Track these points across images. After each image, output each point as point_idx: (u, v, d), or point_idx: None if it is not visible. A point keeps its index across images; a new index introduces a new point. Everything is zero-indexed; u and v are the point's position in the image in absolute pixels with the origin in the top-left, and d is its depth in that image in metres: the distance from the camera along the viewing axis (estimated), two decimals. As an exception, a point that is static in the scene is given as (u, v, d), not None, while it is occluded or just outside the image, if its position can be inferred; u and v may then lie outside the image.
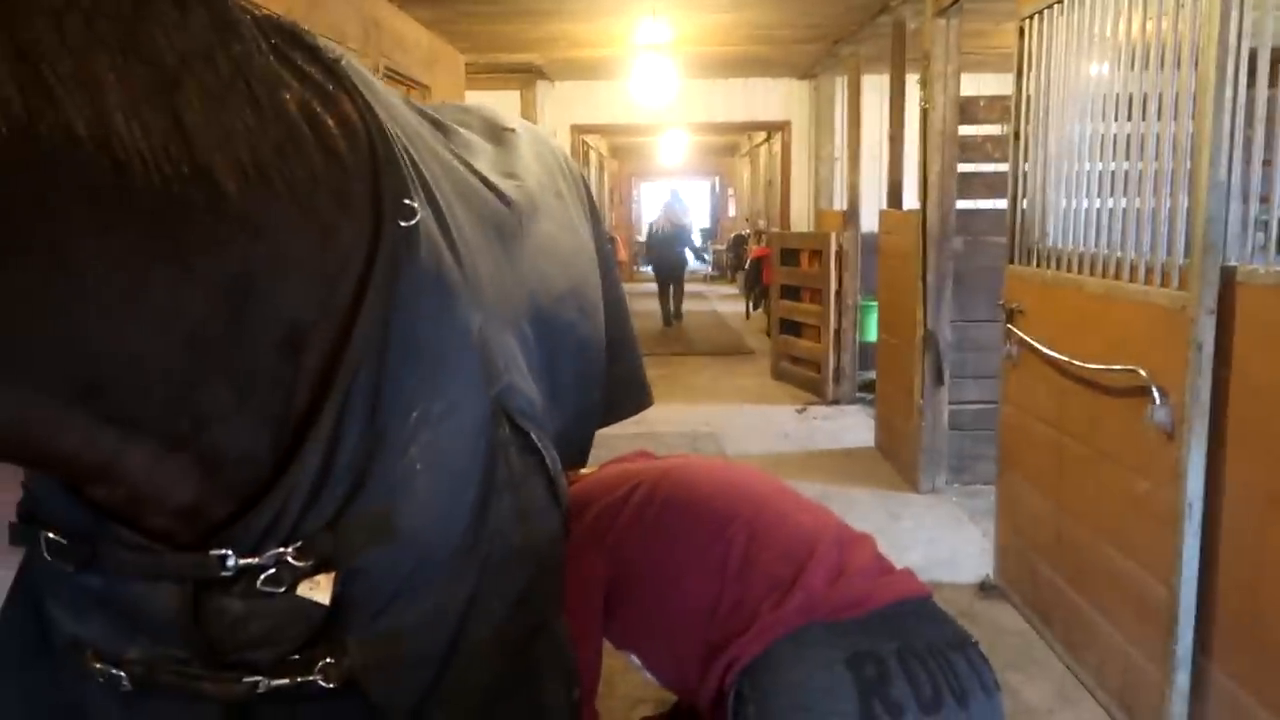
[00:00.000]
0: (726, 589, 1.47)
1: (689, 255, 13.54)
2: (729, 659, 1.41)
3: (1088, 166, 3.12)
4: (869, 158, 7.64)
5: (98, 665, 1.16)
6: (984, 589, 3.83)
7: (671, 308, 12.34)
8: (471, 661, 1.24)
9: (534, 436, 1.37)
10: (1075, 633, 3.15)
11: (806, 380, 7.78)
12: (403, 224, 1.17)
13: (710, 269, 19.67)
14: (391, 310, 1.14)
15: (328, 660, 1.15)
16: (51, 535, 1.12)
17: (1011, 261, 3.70)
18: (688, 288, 13.25)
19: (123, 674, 1.15)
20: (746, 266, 12.54)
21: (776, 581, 1.43)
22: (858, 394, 7.33)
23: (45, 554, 1.13)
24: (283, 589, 1.11)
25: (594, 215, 2.34)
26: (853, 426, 6.63)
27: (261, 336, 1.06)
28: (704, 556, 1.52)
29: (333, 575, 1.12)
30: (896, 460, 5.50)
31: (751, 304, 12.34)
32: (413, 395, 1.16)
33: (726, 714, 1.40)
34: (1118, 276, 2.87)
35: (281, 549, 1.11)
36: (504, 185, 1.69)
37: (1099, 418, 2.95)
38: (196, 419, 1.03)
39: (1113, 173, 2.96)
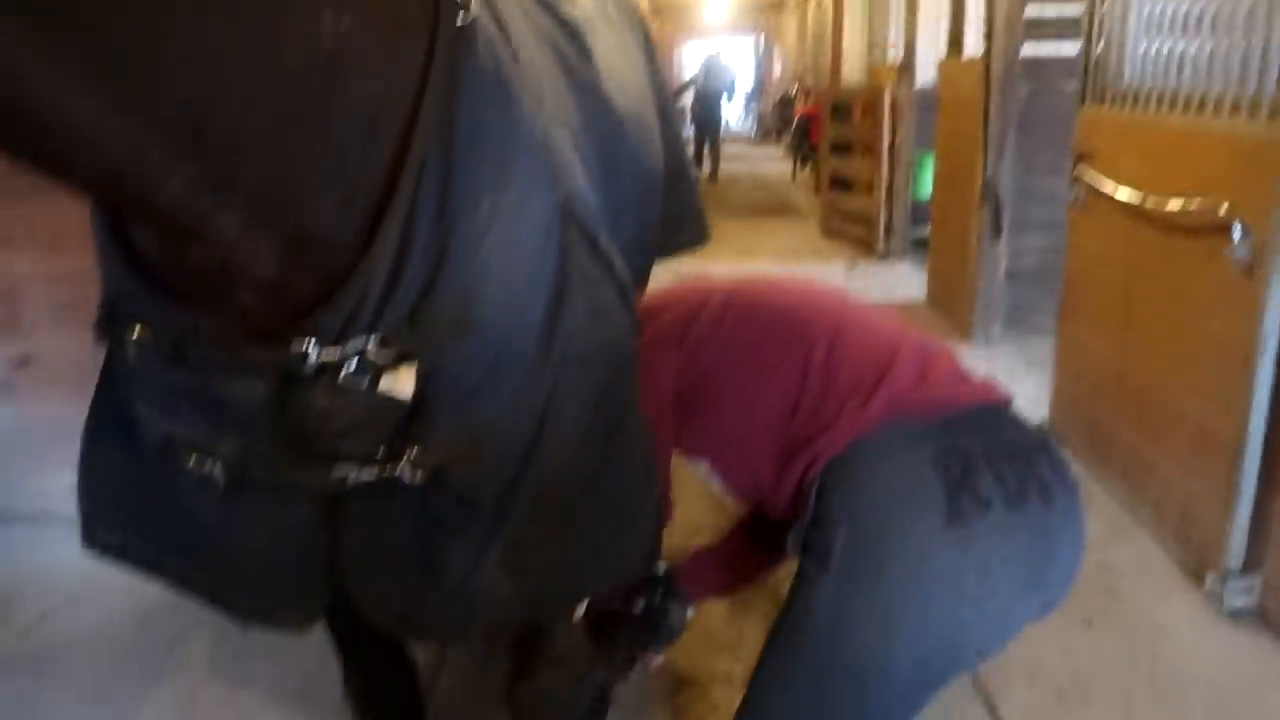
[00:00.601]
0: (808, 390, 1.44)
1: (724, 107, 13.36)
2: (810, 456, 1.37)
3: (1170, 6, 2.98)
4: (926, 6, 7.31)
5: (193, 460, 1.20)
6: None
7: (708, 167, 12.29)
8: (552, 459, 1.26)
9: (601, 242, 1.35)
10: (1132, 473, 3.20)
11: (856, 237, 7.69)
12: (459, 23, 1.15)
13: (753, 128, 19.21)
14: (454, 105, 1.13)
15: (414, 452, 1.17)
16: (137, 335, 1.13)
17: (1083, 103, 3.58)
18: (731, 149, 13.08)
19: (217, 466, 1.19)
20: (793, 126, 12.28)
21: (860, 382, 1.40)
22: (908, 249, 7.25)
23: (131, 354, 1.15)
24: (365, 384, 1.12)
25: (648, 46, 2.27)
26: (904, 281, 6.59)
27: (344, 117, 1.05)
28: (785, 359, 1.48)
29: (414, 368, 1.13)
30: (950, 313, 5.48)
31: (798, 164, 12.12)
32: (482, 186, 1.16)
33: (806, 512, 1.36)
34: (1200, 111, 2.79)
35: (362, 340, 1.11)
36: (560, 5, 1.65)
37: (1172, 258, 2.91)
38: (285, 192, 1.03)
39: (1199, 11, 2.83)
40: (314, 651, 2.53)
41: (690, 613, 2.07)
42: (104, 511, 1.37)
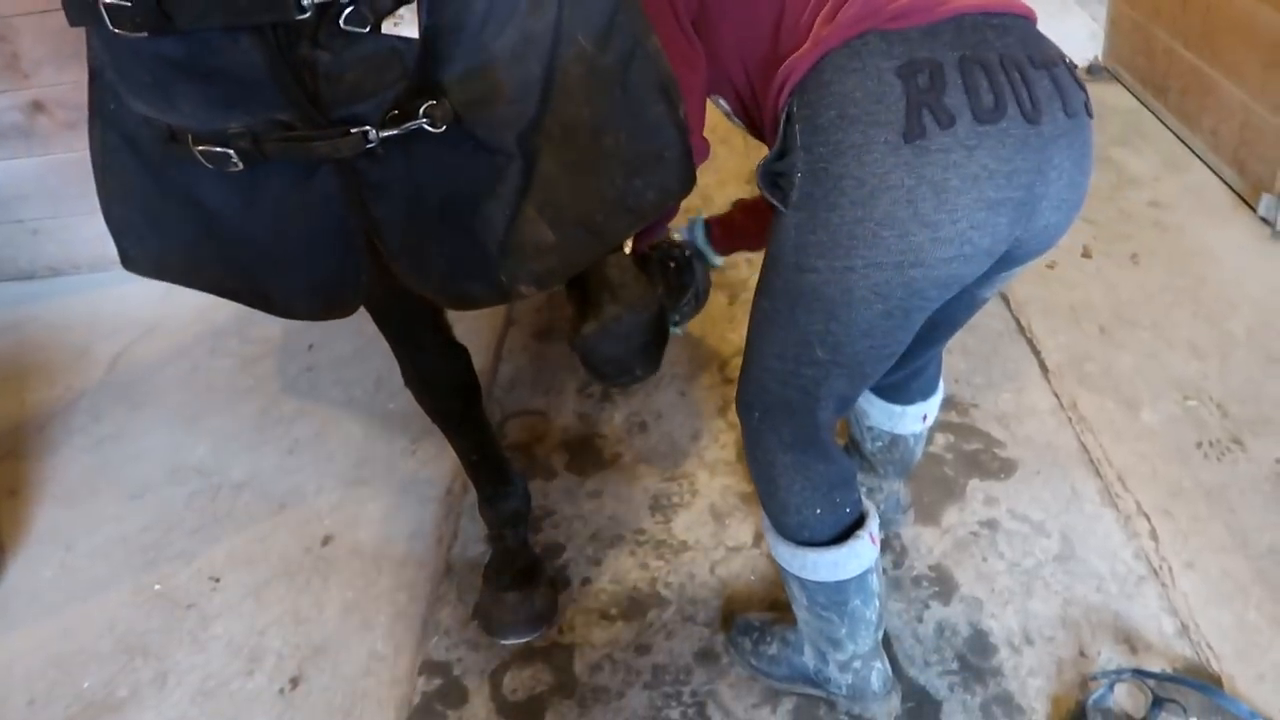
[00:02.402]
0: (789, 4, 1.29)
1: None
2: (782, 79, 1.23)
3: None
4: None
5: (201, 149, 1.15)
6: (1091, 72, 3.66)
7: None
8: (569, 95, 1.22)
9: None
10: (1190, 99, 3.03)
11: None
12: None
13: None
14: None
15: (431, 103, 1.12)
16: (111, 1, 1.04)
17: None
18: None
19: (230, 151, 1.14)
20: None
21: None
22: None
23: (111, 26, 1.06)
24: (367, 28, 1.06)
25: None
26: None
27: None
28: None
29: (414, 5, 1.07)
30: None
31: None
32: None
33: (774, 142, 1.24)
34: None
35: None
36: None
37: None
38: None
39: None
40: (381, 359, 2.66)
41: (720, 262, 2.11)
42: (132, 231, 1.36)
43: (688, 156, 1.40)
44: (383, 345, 2.78)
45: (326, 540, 2.15)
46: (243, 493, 2.33)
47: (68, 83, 3.10)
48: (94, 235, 3.38)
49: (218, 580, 2.10)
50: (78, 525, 2.30)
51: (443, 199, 1.22)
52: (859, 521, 1.45)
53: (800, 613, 1.56)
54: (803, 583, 1.49)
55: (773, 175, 1.23)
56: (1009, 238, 1.15)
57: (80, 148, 3.51)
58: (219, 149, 1.15)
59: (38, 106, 3.13)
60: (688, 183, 1.40)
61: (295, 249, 1.25)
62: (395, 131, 1.14)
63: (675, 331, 2.00)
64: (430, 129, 1.15)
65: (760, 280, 1.32)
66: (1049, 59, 1.16)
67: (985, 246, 1.13)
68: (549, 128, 1.22)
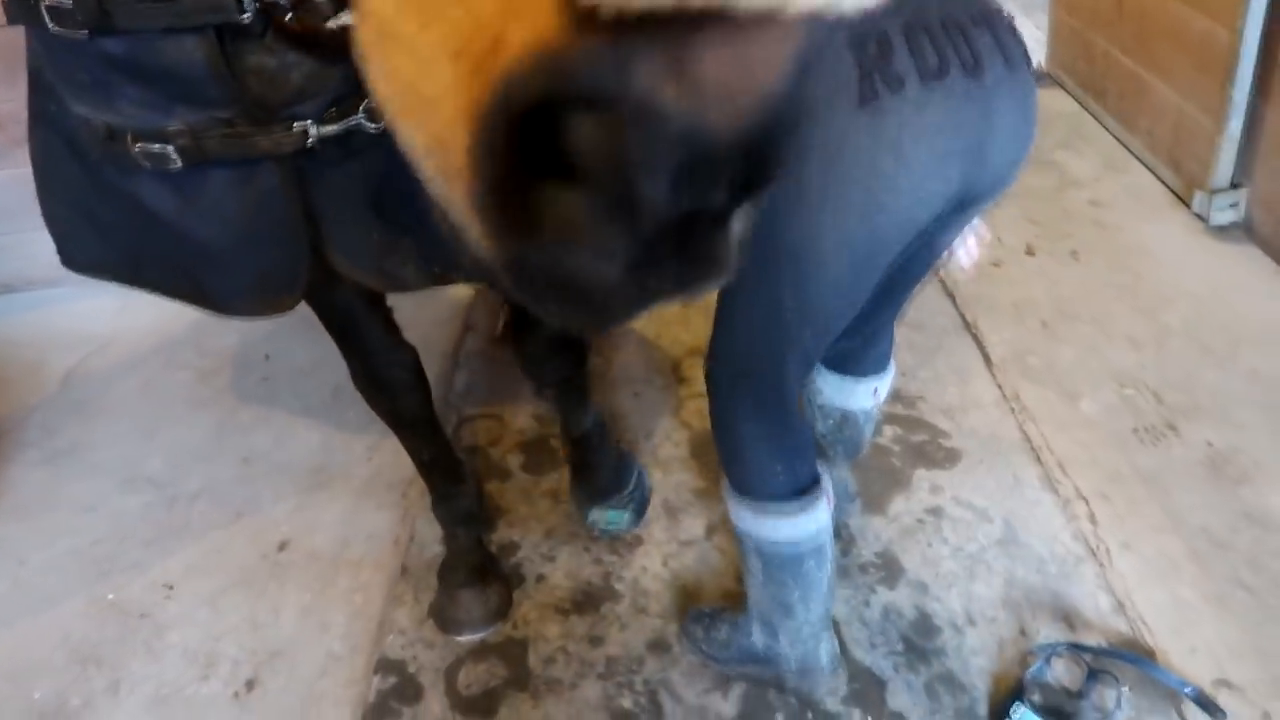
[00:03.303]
0: None
1: None
2: None
3: None
4: None
5: (139, 146, 1.16)
6: (1036, 79, 3.77)
7: None
8: None
9: None
10: (1128, 101, 3.12)
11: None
12: None
13: None
14: None
15: (370, 101, 1.13)
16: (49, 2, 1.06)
17: None
18: None
19: (170, 148, 1.15)
20: None
21: None
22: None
23: (51, 25, 1.07)
24: (309, 32, 1.07)
25: None
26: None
27: None
28: None
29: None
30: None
31: None
32: None
33: None
34: None
35: None
36: None
37: None
38: None
39: None
40: (337, 369, 2.67)
41: None
42: (72, 231, 1.38)
43: None
44: (340, 355, 2.80)
45: (283, 545, 2.16)
46: (198, 502, 2.33)
47: (16, 99, 3.09)
48: (48, 251, 3.34)
49: (172, 589, 2.10)
50: (31, 539, 2.29)
51: (379, 191, 1.24)
52: (815, 484, 1.51)
53: (754, 586, 1.59)
54: (760, 548, 1.52)
55: None
56: (962, 182, 1.23)
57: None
58: (158, 147, 1.16)
59: (-10, 123, 3.12)
60: None
61: (235, 247, 1.27)
62: (335, 128, 1.17)
63: None
64: (369, 126, 1.17)
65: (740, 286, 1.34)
66: (988, 14, 1.22)
67: (940, 191, 1.21)
68: None
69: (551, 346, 1.80)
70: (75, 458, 2.54)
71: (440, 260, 1.29)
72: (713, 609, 1.78)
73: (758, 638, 1.65)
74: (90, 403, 2.76)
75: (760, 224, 1.24)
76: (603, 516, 2.00)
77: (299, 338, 2.91)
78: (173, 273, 1.34)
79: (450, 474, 1.88)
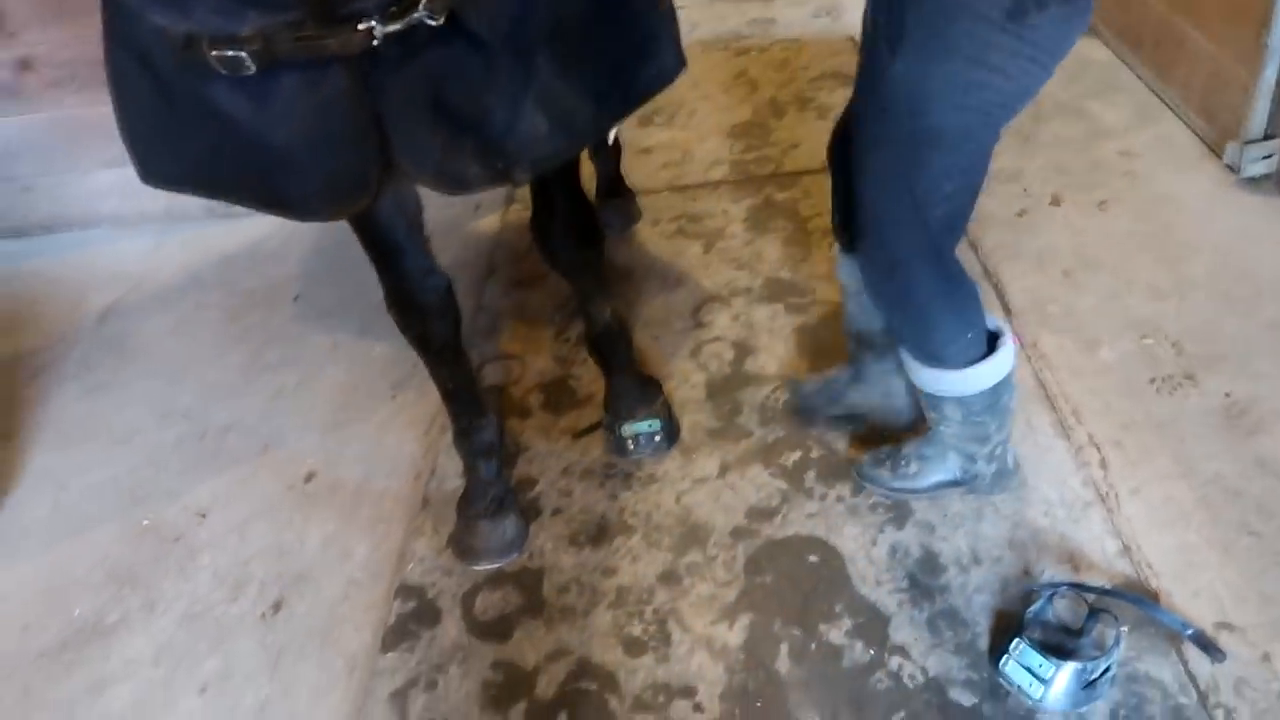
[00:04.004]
0: None
1: None
2: None
3: None
4: None
5: (214, 53, 1.22)
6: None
7: None
8: None
9: None
10: (1163, 50, 3.06)
11: None
12: None
13: None
14: None
15: None
16: None
17: None
18: None
19: (243, 53, 1.21)
20: None
21: None
22: None
23: None
24: None
25: None
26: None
27: None
28: None
29: None
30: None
31: None
32: None
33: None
34: None
35: None
36: None
37: None
38: None
39: None
40: (366, 308, 2.73)
41: None
42: (150, 147, 1.44)
43: (675, 43, 1.50)
44: (367, 295, 2.84)
45: (309, 477, 2.23)
46: (228, 435, 2.40)
47: (54, 41, 3.14)
48: (84, 192, 3.44)
49: (204, 516, 2.18)
50: (70, 467, 2.38)
51: (441, 91, 1.29)
52: (995, 330, 1.69)
53: (950, 428, 1.77)
54: (961, 400, 1.69)
55: (878, 23, 1.43)
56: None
57: (69, 106, 3.54)
58: (232, 52, 1.21)
59: (25, 65, 3.17)
60: (677, 68, 1.53)
61: (306, 150, 1.32)
62: (398, 26, 1.22)
63: None
64: (430, 21, 1.23)
65: (869, 137, 1.51)
66: None
67: (1037, 89, 1.44)
68: (541, 21, 1.30)
69: (569, 230, 1.89)
70: (112, 392, 2.63)
71: (502, 157, 1.35)
72: (889, 449, 1.93)
73: (953, 465, 1.85)
74: (126, 339, 2.84)
75: (903, 109, 1.40)
76: (637, 429, 2.07)
77: (327, 280, 2.97)
78: (248, 180, 1.39)
79: (473, 406, 1.93)
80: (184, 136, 1.38)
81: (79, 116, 3.25)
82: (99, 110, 3.21)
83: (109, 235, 3.43)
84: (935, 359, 1.66)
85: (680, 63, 1.54)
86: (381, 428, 2.34)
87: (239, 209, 3.43)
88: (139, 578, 2.05)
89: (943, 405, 1.73)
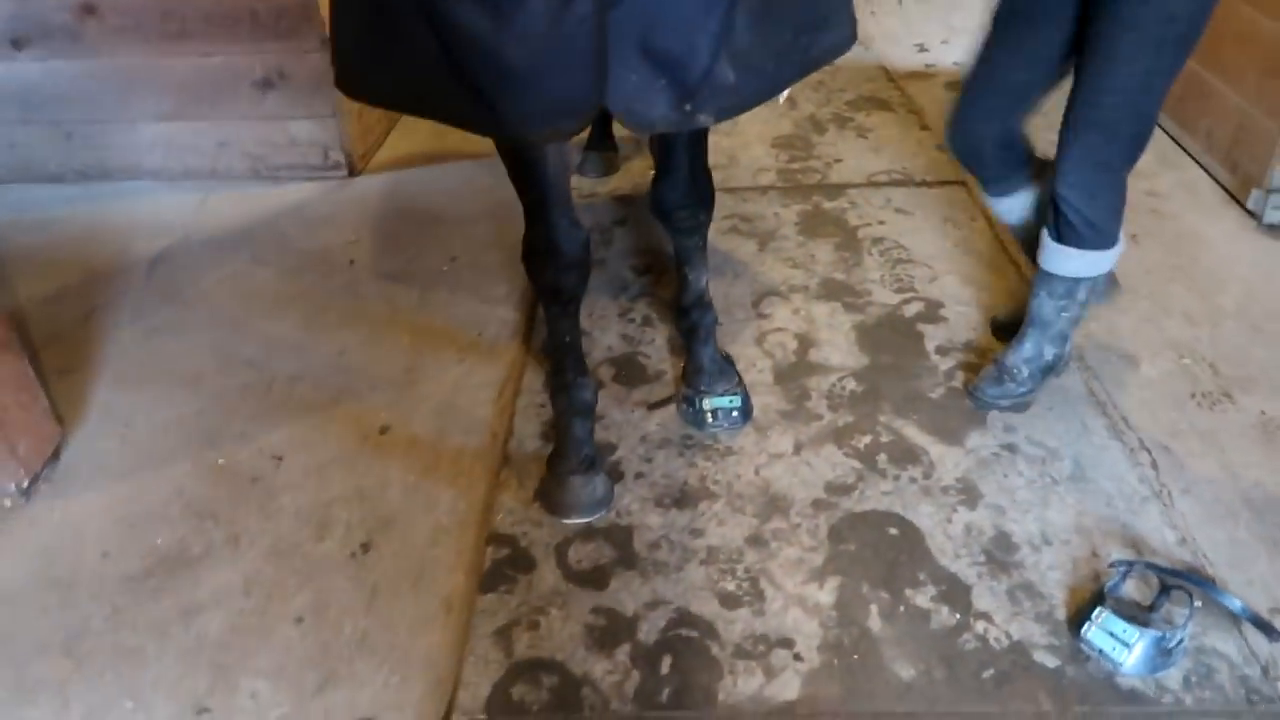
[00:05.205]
0: None
1: None
2: None
3: None
4: None
5: None
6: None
7: None
8: None
9: None
10: (1188, 103, 3.27)
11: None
12: None
13: None
14: None
15: None
16: None
17: None
18: None
19: None
20: None
21: None
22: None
23: None
24: None
25: None
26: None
27: None
28: None
29: None
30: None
31: None
32: None
33: None
34: None
35: None
36: None
37: None
38: None
39: None
40: (424, 278, 2.78)
41: None
42: (361, 61, 1.53)
43: (851, 19, 1.67)
44: (425, 264, 2.91)
45: (384, 430, 2.27)
46: (296, 386, 2.43)
47: (119, -8, 3.16)
48: (127, 143, 3.43)
49: (280, 459, 2.21)
50: (134, 406, 2.39)
51: (654, 31, 1.37)
52: None
53: (1069, 313, 2.17)
54: (1094, 282, 2.13)
55: None
56: None
57: (126, 54, 3.55)
58: None
59: (88, 9, 3.18)
60: (851, 40, 1.67)
61: (541, 70, 1.37)
62: None
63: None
64: None
65: (1130, 45, 1.82)
66: None
67: None
68: None
69: (692, 190, 2.06)
70: (171, 337, 2.64)
71: (692, 100, 1.43)
72: (992, 369, 2.25)
73: (1048, 351, 2.21)
74: (178, 290, 2.85)
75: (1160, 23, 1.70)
76: (717, 403, 2.17)
77: (382, 247, 3.02)
78: (461, 96, 1.43)
79: (580, 364, 2.01)
80: (404, 50, 1.44)
81: (135, 66, 3.26)
82: (156, 62, 3.27)
83: (150, 187, 3.43)
84: (1110, 238, 2.08)
85: (853, 37, 1.67)
86: (453, 389, 2.39)
87: (283, 172, 3.50)
88: (219, 514, 2.07)
89: (1079, 289, 2.12)
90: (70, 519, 2.07)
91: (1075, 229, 2.04)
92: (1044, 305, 2.17)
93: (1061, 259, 2.09)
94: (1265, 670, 1.64)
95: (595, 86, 1.39)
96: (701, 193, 2.05)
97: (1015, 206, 2.30)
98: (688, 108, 1.44)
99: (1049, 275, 2.13)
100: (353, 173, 3.45)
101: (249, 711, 1.66)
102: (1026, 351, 2.21)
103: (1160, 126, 3.45)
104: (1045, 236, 2.10)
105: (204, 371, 2.50)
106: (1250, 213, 2.91)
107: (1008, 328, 2.41)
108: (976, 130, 2.15)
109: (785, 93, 1.65)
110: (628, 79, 1.40)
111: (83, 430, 2.32)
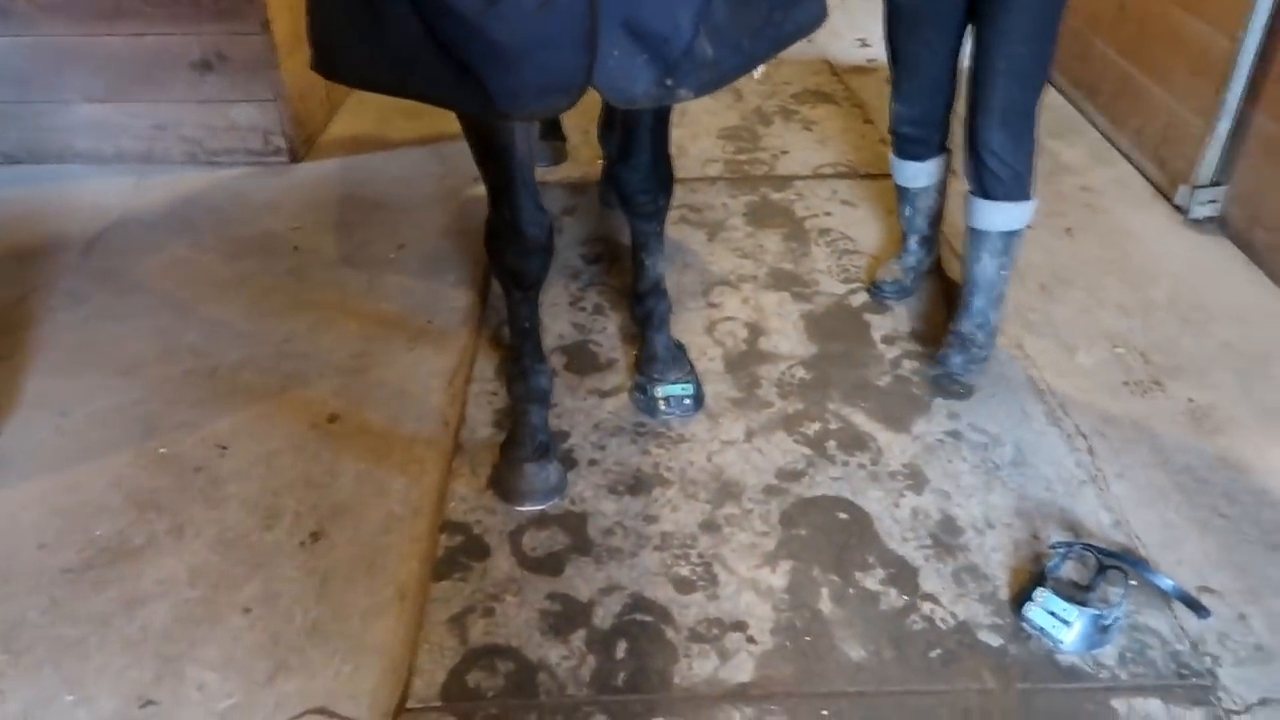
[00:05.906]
0: None
1: None
2: None
3: None
4: None
5: None
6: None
7: None
8: None
9: None
10: (1120, 101, 3.38)
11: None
12: None
13: None
14: None
15: None
16: None
17: None
18: None
19: None
20: None
21: None
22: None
23: None
24: None
25: None
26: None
27: None
28: None
29: None
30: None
31: None
32: None
33: None
34: None
35: None
36: None
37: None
38: None
39: None
40: (371, 265, 2.74)
41: None
42: (342, 45, 1.51)
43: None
44: (372, 251, 2.88)
45: (333, 418, 2.24)
46: (242, 373, 2.39)
47: (53, -34, 3.05)
48: (60, 125, 3.32)
49: (225, 448, 2.16)
50: (70, 394, 2.32)
51: (640, 9, 1.38)
52: None
53: (1006, 272, 2.34)
54: (1019, 235, 2.31)
55: None
56: None
57: (58, 32, 3.44)
58: None
59: (19, -16, 3.06)
60: (822, 16, 1.72)
61: (531, 49, 1.36)
62: None
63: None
64: None
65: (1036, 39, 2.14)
66: None
67: None
68: None
69: (653, 173, 2.06)
70: (108, 323, 2.56)
71: (673, 75, 1.45)
72: (953, 338, 2.34)
73: (992, 315, 2.37)
74: (116, 275, 2.77)
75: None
76: (670, 391, 2.19)
77: (327, 233, 2.97)
78: (447, 76, 1.42)
79: (538, 350, 2.01)
80: (387, 32, 1.43)
81: (68, 45, 3.15)
82: (89, 40, 3.16)
83: (83, 171, 3.33)
84: (1031, 187, 2.23)
85: (824, 12, 1.70)
86: (402, 377, 2.37)
87: (222, 157, 3.41)
88: (162, 504, 2.02)
89: (1013, 243, 2.29)
90: (4, 510, 2.00)
91: (1003, 181, 2.22)
92: (986, 267, 2.33)
93: (999, 214, 2.25)
94: (1194, 646, 1.71)
95: (585, 64, 1.39)
96: (662, 177, 2.07)
97: (932, 170, 2.53)
98: (669, 82, 1.46)
99: (985, 234, 2.29)
100: (295, 159, 3.39)
101: (197, 702, 1.63)
102: (977, 317, 2.35)
103: (1093, 124, 3.56)
104: (973, 200, 2.29)
105: (144, 358, 2.44)
106: (1178, 208, 3.02)
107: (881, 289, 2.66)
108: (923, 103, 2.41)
109: (760, 68, 1.67)
110: (610, 55, 1.41)
111: (16, 419, 2.25)
